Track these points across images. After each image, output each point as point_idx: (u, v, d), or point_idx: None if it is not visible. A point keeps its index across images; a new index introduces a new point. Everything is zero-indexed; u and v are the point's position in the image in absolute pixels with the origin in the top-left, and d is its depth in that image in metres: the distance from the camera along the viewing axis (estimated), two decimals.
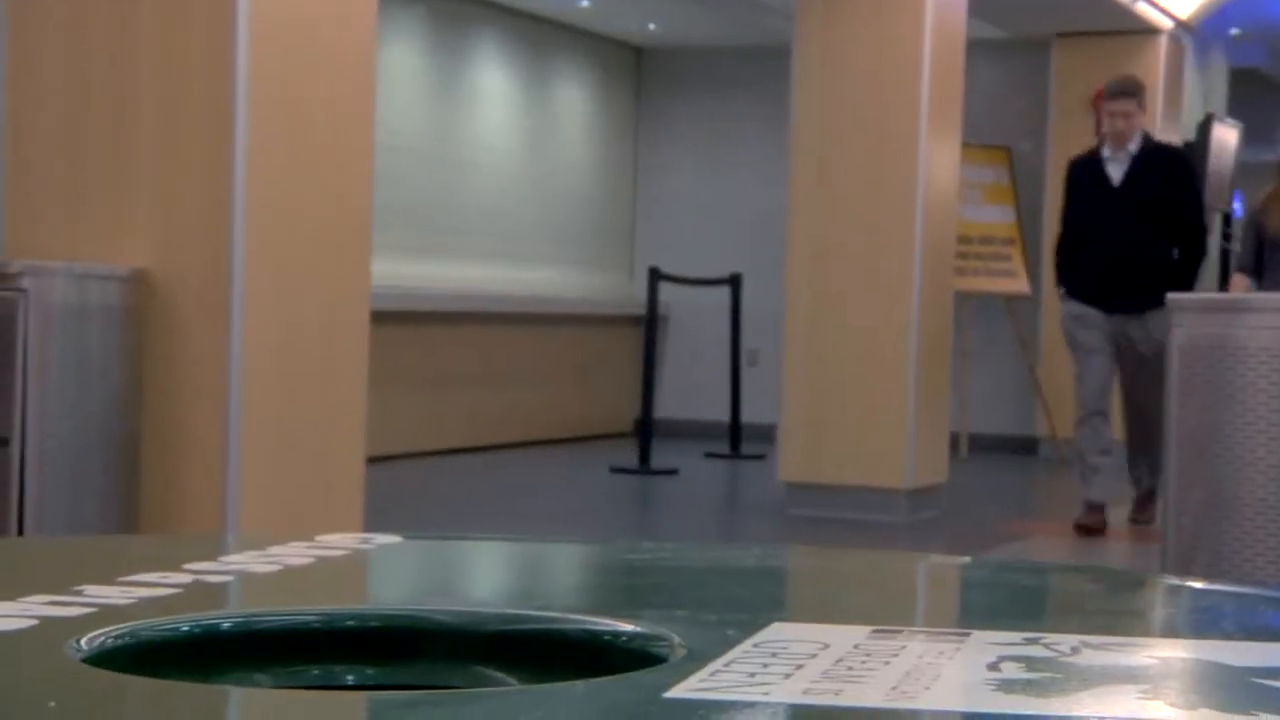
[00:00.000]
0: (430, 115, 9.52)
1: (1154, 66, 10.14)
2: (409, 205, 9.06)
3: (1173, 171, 6.63)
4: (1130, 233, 6.50)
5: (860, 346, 6.96)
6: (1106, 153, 6.66)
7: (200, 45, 3.93)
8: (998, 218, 10.05)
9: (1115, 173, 6.58)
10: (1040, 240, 10.34)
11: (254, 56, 3.91)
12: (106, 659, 0.89)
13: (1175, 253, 6.54)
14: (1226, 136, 11.25)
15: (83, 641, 0.90)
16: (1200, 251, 6.57)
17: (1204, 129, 10.87)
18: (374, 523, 4.48)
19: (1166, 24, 10.07)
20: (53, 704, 0.80)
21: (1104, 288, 6.55)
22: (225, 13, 3.89)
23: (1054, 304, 10.70)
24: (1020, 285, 10.06)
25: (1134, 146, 6.60)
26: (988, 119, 10.00)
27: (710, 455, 9.50)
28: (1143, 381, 6.49)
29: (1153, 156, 6.63)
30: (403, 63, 9.20)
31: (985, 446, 10.09)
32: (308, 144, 4.08)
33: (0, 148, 4.16)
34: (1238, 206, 12.16)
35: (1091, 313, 6.57)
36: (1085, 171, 6.70)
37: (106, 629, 0.93)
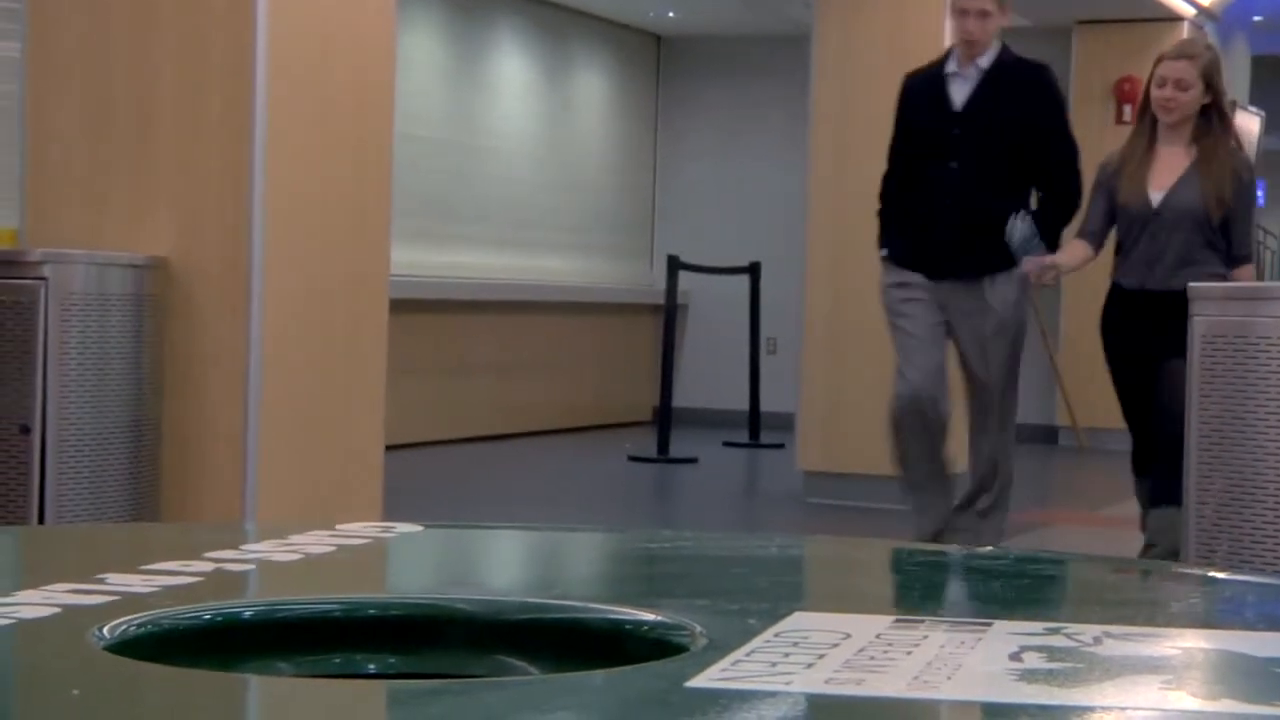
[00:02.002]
0: (450, 103, 9.52)
1: None
2: (428, 194, 9.06)
3: (1036, 95, 4.91)
4: (973, 174, 4.80)
5: (880, 335, 6.93)
6: (951, 67, 4.97)
7: (220, 34, 3.93)
8: None
9: (959, 93, 4.91)
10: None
11: (274, 46, 3.91)
12: (129, 647, 0.89)
13: (1033, 202, 4.96)
14: (1249, 125, 11.20)
15: (105, 630, 0.90)
16: (1072, 202, 4.93)
17: None
18: (393, 511, 4.49)
19: (1189, 11, 10.03)
20: (76, 692, 0.80)
21: (932, 245, 4.87)
22: (246, 2, 3.89)
23: (1077, 291, 10.66)
24: None
25: (986, 61, 4.91)
26: None
27: (729, 444, 9.49)
28: (982, 371, 4.99)
29: (1011, 75, 4.92)
30: (422, 51, 9.20)
31: None
32: (328, 132, 4.08)
33: (21, 137, 4.17)
34: (1260, 195, 12.10)
35: (916, 280, 4.93)
36: (921, 92, 5.03)
37: (129, 617, 0.93)
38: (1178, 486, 4.63)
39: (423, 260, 8.82)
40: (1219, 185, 4.74)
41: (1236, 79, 11.42)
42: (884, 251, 5.04)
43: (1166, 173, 4.79)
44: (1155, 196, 4.78)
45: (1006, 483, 5.09)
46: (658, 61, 11.63)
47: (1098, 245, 4.94)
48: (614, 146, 11.19)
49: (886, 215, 5.05)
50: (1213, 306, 3.62)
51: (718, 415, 10.70)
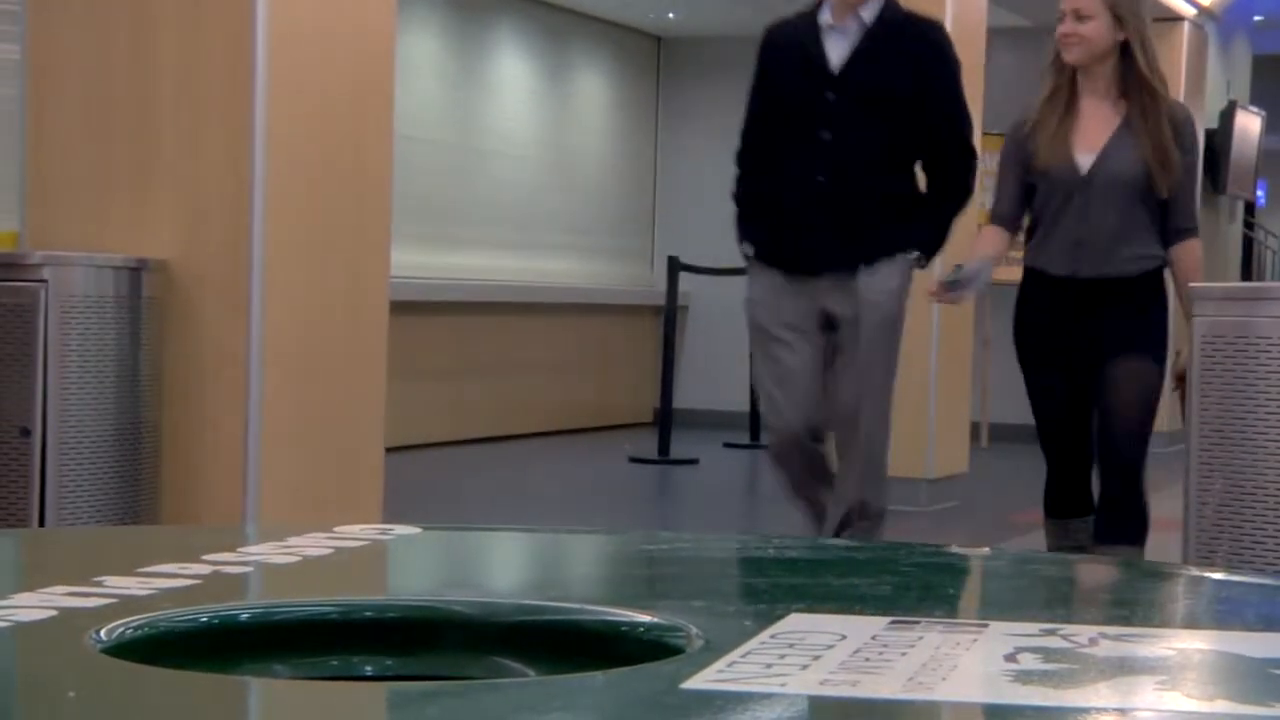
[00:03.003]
0: (450, 105, 9.52)
1: (1176, 54, 10.09)
2: (429, 195, 9.06)
3: (928, 57, 4.00)
4: (849, 147, 3.90)
5: None
6: (826, 18, 4.00)
7: (220, 37, 3.93)
8: None
9: (835, 51, 3.98)
10: None
11: (274, 48, 3.91)
12: (126, 649, 0.89)
13: (917, 185, 4.09)
14: (1249, 124, 11.21)
15: (102, 632, 0.90)
16: (965, 186, 4.07)
17: (1227, 117, 10.83)
18: (393, 512, 4.49)
19: (1189, 11, 10.03)
20: (73, 694, 0.80)
21: (802, 237, 3.93)
22: (245, 4, 3.90)
23: None
24: None
25: (869, 13, 3.98)
26: (1009, 107, 9.95)
27: (730, 445, 9.49)
28: (850, 389, 3.99)
29: (898, 31, 4.01)
30: (422, 52, 9.20)
31: (1006, 436, 10.06)
32: (328, 135, 4.08)
33: (21, 138, 4.17)
34: (1261, 195, 12.11)
35: (783, 282, 3.98)
36: (789, 47, 4.07)
37: (126, 620, 0.93)
38: (1135, 521, 4.05)
39: (423, 262, 8.82)
40: (1160, 144, 3.84)
41: (1237, 79, 11.42)
42: (747, 249, 4.03)
43: (1095, 131, 3.89)
44: (1084, 160, 3.86)
45: (878, 520, 4.05)
46: (658, 62, 11.63)
47: (1015, 229, 4.02)
48: (614, 148, 11.20)
49: (745, 200, 4.05)
50: (1211, 306, 3.62)
51: (718, 416, 10.70)
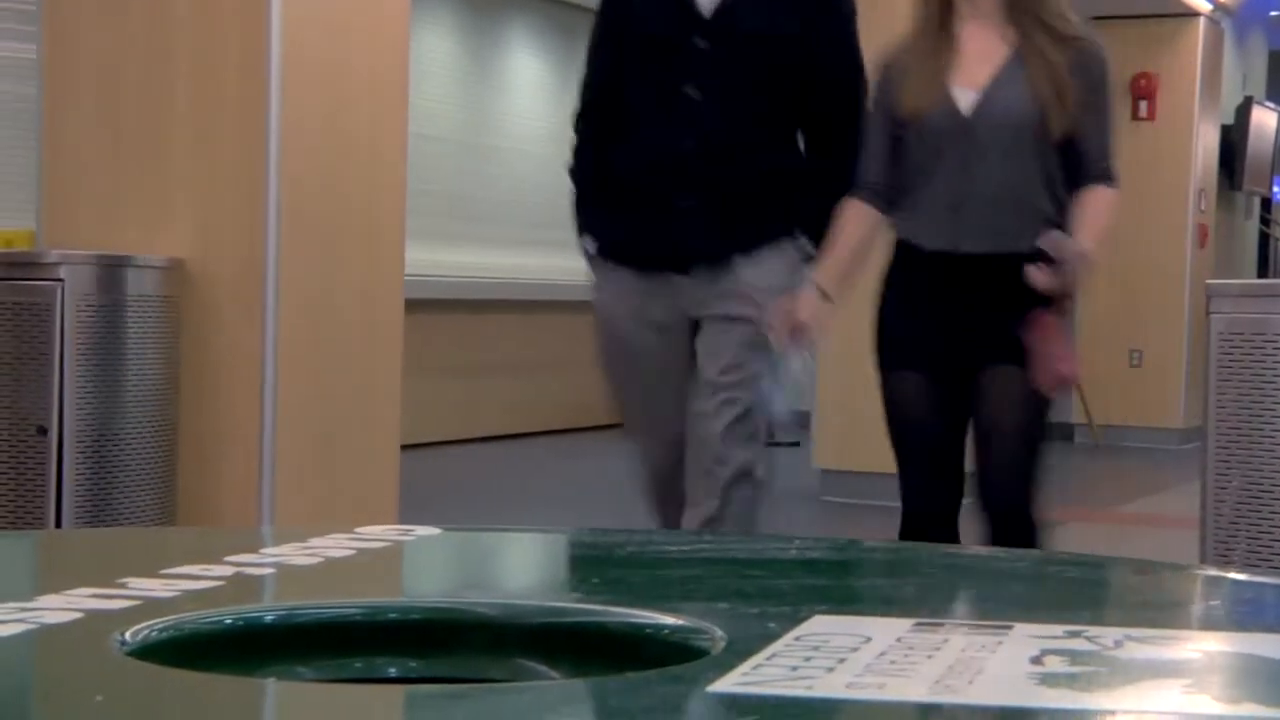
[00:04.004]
0: (464, 103, 9.52)
1: (1192, 50, 10.07)
2: (443, 193, 9.07)
3: (819, 2, 3.23)
4: (722, 107, 3.12)
5: None
6: None
7: (236, 36, 3.94)
8: None
9: None
10: None
11: (288, 47, 3.91)
12: (151, 652, 0.89)
13: (802, 158, 3.23)
14: (1266, 120, 11.18)
15: (127, 634, 0.90)
16: (856, 152, 3.14)
17: (1243, 112, 10.80)
18: (408, 511, 4.50)
19: (1205, 6, 10.00)
20: (100, 698, 0.80)
21: (662, 223, 3.13)
22: (260, 3, 3.90)
23: (1091, 289, 10.63)
24: None
25: None
26: None
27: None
28: (715, 417, 3.09)
29: None
30: (436, 50, 9.21)
31: None
32: (342, 133, 4.09)
33: (37, 138, 4.18)
34: (1277, 191, 12.08)
35: (637, 282, 3.16)
36: None
37: (150, 622, 0.93)
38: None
39: (437, 260, 8.83)
40: (1057, 80, 3.04)
41: (1253, 74, 11.39)
42: (588, 243, 3.21)
43: (977, 65, 3.07)
44: (963, 99, 3.05)
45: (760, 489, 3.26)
46: None
47: (886, 201, 3.11)
48: None
49: (586, 178, 3.21)
50: (1228, 304, 3.61)
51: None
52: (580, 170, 3.24)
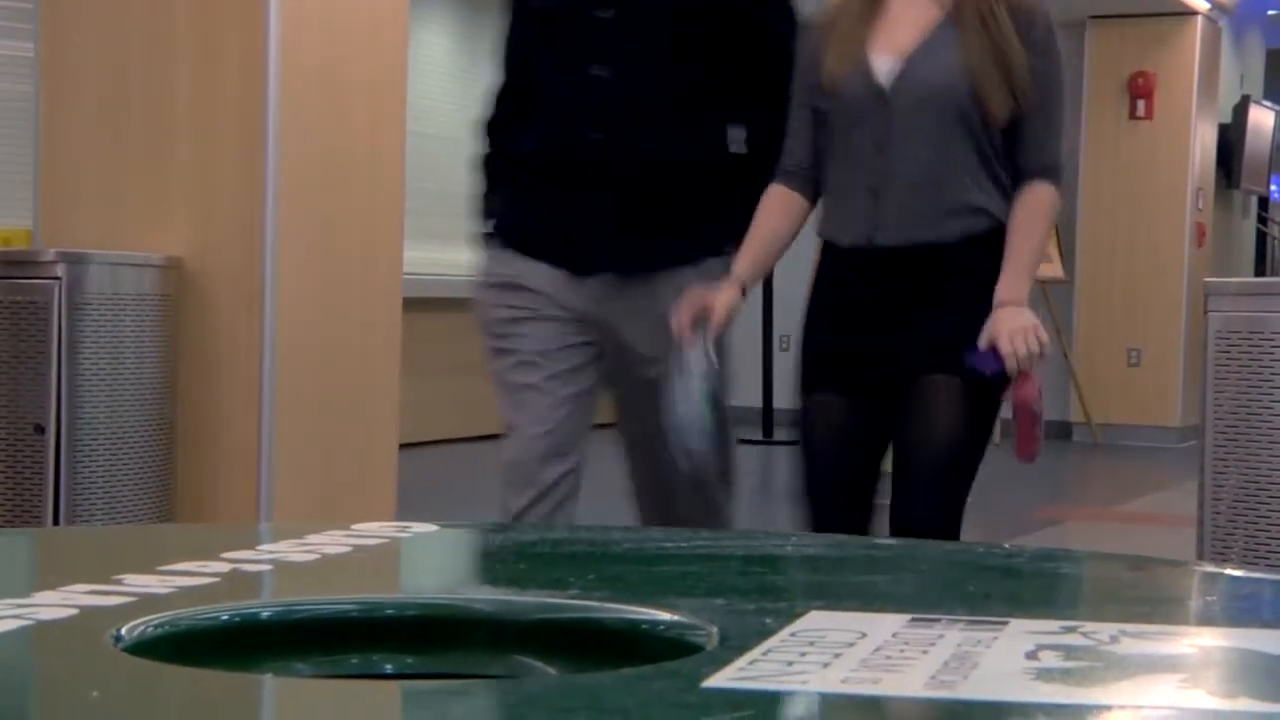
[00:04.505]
0: (462, 102, 9.52)
1: (1190, 49, 10.07)
2: (441, 192, 9.07)
3: None
4: (638, 87, 2.74)
5: None
6: None
7: (234, 34, 3.94)
8: None
9: None
10: (1075, 225, 10.30)
11: (287, 46, 3.92)
12: (147, 648, 0.89)
13: (730, 150, 2.82)
14: (1263, 119, 11.18)
15: (123, 630, 0.91)
16: (781, 134, 2.74)
17: (1240, 111, 10.81)
18: (407, 509, 4.50)
19: (1203, 5, 10.00)
20: (96, 693, 0.80)
21: (570, 215, 2.77)
22: (259, 3, 3.90)
23: (1090, 288, 10.65)
24: (1054, 270, 10.02)
25: None
26: None
27: (742, 441, 9.48)
28: (652, 443, 2.78)
29: None
30: (435, 50, 9.21)
31: None
32: (341, 132, 4.09)
33: (35, 136, 4.18)
34: (1275, 190, 12.08)
35: (538, 278, 2.79)
36: None
37: (147, 618, 0.93)
38: None
39: (435, 258, 8.83)
40: (997, 46, 2.60)
41: (1251, 73, 11.39)
42: (489, 228, 2.88)
43: (902, 29, 2.65)
44: (883, 67, 2.62)
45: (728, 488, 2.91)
46: None
47: (813, 190, 2.71)
48: None
49: (492, 165, 2.89)
50: (1226, 302, 3.61)
51: (730, 412, 10.68)
52: (489, 157, 2.90)
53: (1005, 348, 2.56)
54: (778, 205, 2.72)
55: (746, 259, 2.70)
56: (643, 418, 2.76)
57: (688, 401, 2.61)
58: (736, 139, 2.81)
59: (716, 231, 2.78)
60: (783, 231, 2.73)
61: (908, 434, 2.64)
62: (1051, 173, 2.68)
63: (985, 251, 2.63)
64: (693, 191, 2.75)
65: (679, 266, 2.73)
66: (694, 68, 2.74)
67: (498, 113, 2.90)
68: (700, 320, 2.61)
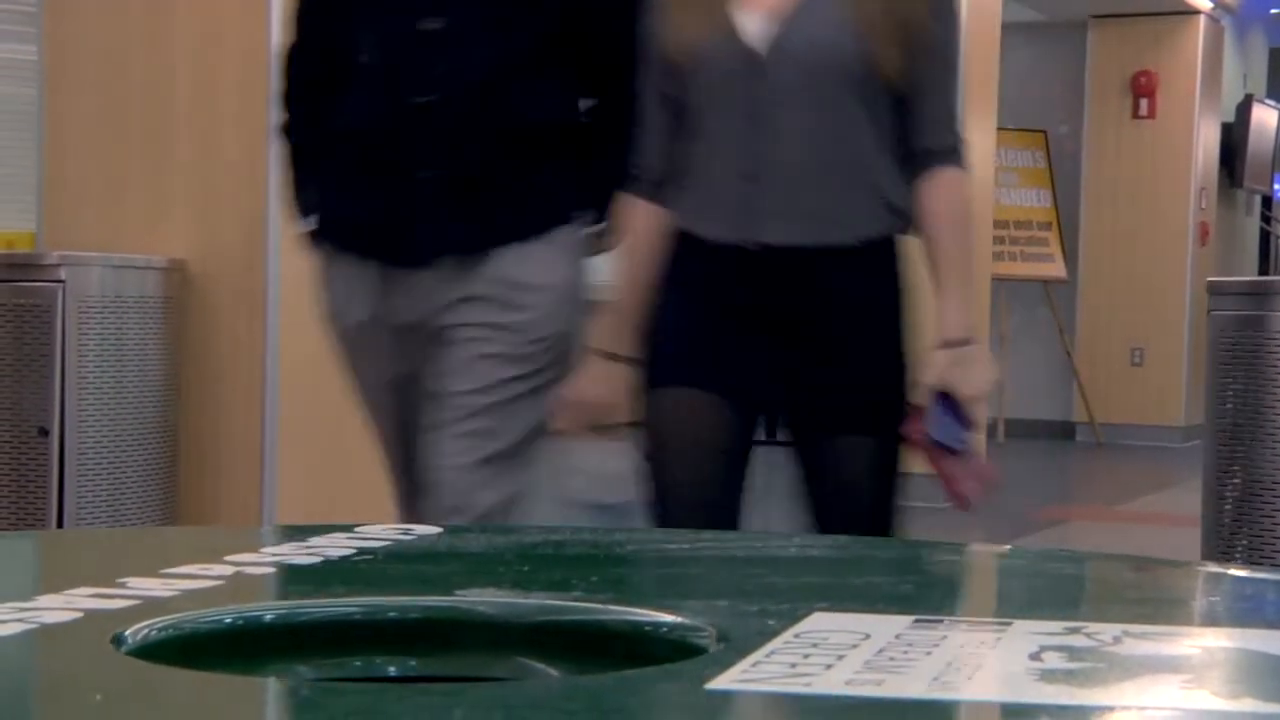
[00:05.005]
0: None
1: (1192, 48, 10.07)
2: None
3: None
4: (466, 49, 2.36)
5: None
6: None
7: (235, 37, 3.94)
8: (1034, 201, 10.01)
9: None
10: (1078, 224, 10.30)
11: None
12: (150, 651, 0.89)
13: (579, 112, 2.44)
14: (1266, 118, 11.18)
15: (127, 634, 0.91)
16: (631, 101, 2.31)
17: (1243, 110, 10.81)
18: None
19: (1206, 4, 10.00)
20: (99, 697, 0.80)
21: (391, 200, 2.37)
22: (259, 3, 3.90)
23: (1093, 287, 10.65)
24: (1057, 270, 10.02)
25: None
26: (1023, 102, 9.95)
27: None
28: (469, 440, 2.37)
29: None
30: None
31: (1022, 431, 10.05)
32: None
33: (38, 140, 4.18)
34: (1278, 189, 12.08)
35: (365, 273, 2.41)
36: None
37: (150, 621, 0.93)
38: None
39: None
40: (890, 3, 2.18)
41: (1254, 72, 11.39)
42: (309, 223, 2.48)
43: None
44: (756, 30, 2.18)
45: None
46: None
47: (662, 189, 2.28)
48: None
49: (300, 139, 2.49)
50: (1229, 301, 3.61)
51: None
52: (294, 129, 2.49)
53: (971, 410, 2.15)
54: (646, 227, 2.27)
55: (630, 305, 2.25)
56: (446, 412, 2.35)
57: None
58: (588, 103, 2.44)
59: (562, 198, 2.39)
60: (657, 261, 2.27)
61: (827, 511, 2.25)
62: (959, 155, 2.24)
63: (889, 254, 2.21)
64: (534, 156, 2.36)
65: (521, 240, 2.35)
66: (541, 19, 2.37)
67: (295, 80, 2.49)
68: (587, 419, 2.25)
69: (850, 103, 2.18)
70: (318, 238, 2.47)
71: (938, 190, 2.21)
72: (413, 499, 2.47)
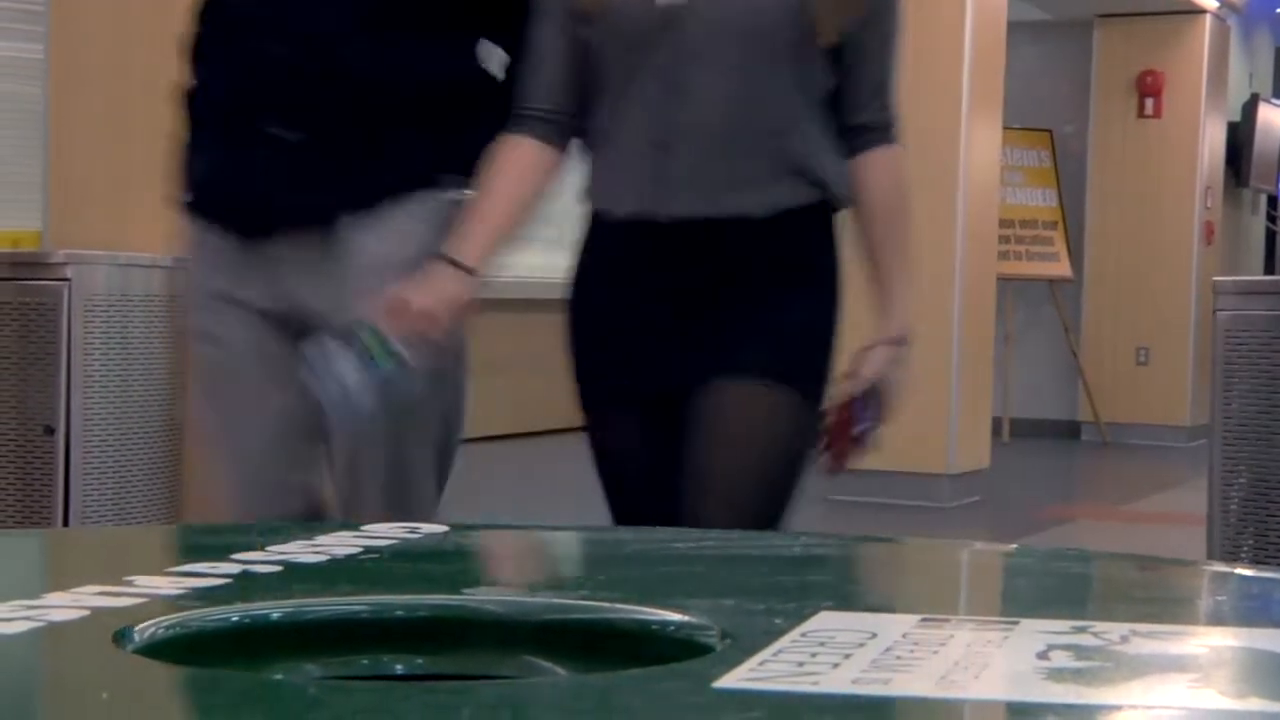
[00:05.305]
0: None
1: (1198, 47, 10.06)
2: None
3: None
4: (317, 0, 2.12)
5: None
6: None
7: None
8: (1040, 201, 10.00)
9: None
10: (1083, 223, 10.29)
11: None
12: (157, 649, 0.89)
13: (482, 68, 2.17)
14: (1272, 117, 11.16)
15: (134, 632, 0.91)
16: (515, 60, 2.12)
17: (1250, 109, 10.79)
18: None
19: (1212, 4, 9.99)
20: (106, 695, 0.80)
21: (243, 164, 2.16)
22: None
23: (1098, 287, 10.64)
24: (1063, 269, 10.01)
25: None
26: (1029, 102, 9.95)
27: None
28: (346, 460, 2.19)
29: None
30: None
31: (1028, 431, 10.04)
32: None
33: (44, 138, 4.18)
34: None
35: (224, 246, 2.18)
36: None
37: (157, 619, 0.93)
38: None
39: None
40: None
41: (1260, 71, 11.38)
42: (185, 195, 2.31)
43: None
44: None
45: None
46: None
47: (564, 142, 2.08)
48: None
49: (186, 106, 2.34)
50: (1235, 300, 3.61)
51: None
52: (185, 95, 2.33)
53: (885, 411, 2.07)
54: (516, 161, 2.05)
55: (478, 237, 2.03)
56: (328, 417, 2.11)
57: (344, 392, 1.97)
58: (492, 57, 2.17)
59: (431, 159, 2.12)
60: (524, 195, 2.07)
61: (700, 465, 1.97)
62: (894, 131, 2.09)
63: (807, 224, 2.03)
64: (402, 113, 2.10)
65: (373, 206, 2.09)
66: None
67: (194, 34, 2.31)
68: (411, 323, 1.98)
69: (776, 67, 1.98)
70: (188, 209, 2.26)
71: (872, 170, 2.07)
72: (244, 489, 2.28)
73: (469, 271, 2.03)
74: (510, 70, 2.14)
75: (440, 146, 2.12)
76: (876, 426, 2.09)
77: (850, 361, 2.08)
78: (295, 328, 2.13)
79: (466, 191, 2.11)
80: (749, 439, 1.97)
